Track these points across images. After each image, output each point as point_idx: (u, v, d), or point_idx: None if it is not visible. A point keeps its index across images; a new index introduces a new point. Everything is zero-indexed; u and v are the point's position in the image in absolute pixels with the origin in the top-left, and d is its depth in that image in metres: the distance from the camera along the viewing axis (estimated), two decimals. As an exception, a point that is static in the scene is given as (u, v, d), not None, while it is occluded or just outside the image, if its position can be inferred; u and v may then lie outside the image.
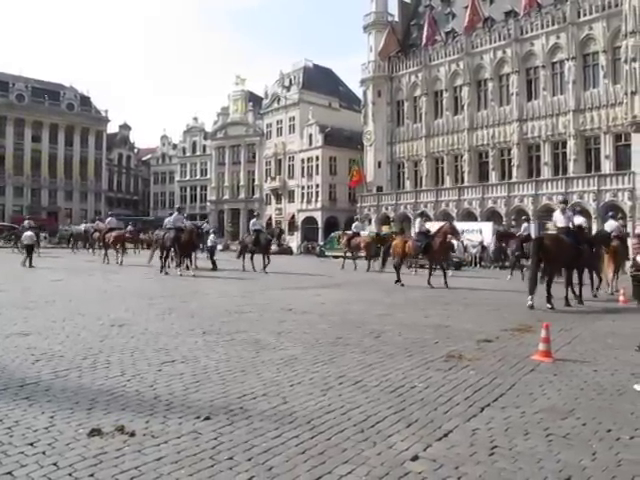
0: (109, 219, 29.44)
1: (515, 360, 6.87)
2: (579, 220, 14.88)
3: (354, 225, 29.36)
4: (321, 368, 6.25)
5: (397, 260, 19.00)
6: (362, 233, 29.77)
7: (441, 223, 20.80)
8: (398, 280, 17.84)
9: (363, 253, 27.98)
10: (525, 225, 24.46)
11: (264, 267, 21.88)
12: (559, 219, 13.55)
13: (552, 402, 5.20)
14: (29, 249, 23.16)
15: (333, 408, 4.83)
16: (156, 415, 4.52)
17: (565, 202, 14.85)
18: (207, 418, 4.46)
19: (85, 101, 75.59)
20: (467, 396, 5.30)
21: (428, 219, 23.58)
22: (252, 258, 23.17)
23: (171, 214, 28.08)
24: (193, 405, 4.81)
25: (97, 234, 30.58)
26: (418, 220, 19.49)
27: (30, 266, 22.14)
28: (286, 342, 7.68)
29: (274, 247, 32.08)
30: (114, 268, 23.52)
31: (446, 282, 16.94)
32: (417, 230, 19.00)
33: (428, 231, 18.53)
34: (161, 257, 21.56)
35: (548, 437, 4.26)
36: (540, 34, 42.38)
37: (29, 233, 24.57)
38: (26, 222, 32.48)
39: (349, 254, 28.47)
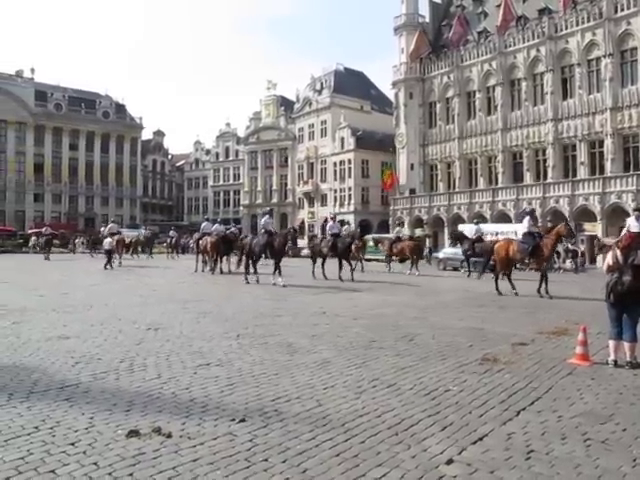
0: (215, 225, 25.79)
1: (551, 363, 6.76)
2: None
3: (329, 225, 23.66)
4: (355, 371, 6.26)
5: (499, 265, 16.40)
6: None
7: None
8: (497, 289, 15.77)
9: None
10: (477, 227, 26.31)
11: (351, 274, 20.11)
12: (633, 225, 13.28)
13: (590, 406, 5.11)
14: (108, 253, 25.64)
15: (367, 411, 4.84)
16: (192, 417, 4.60)
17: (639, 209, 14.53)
18: (242, 420, 4.51)
19: (120, 109, 77.03)
20: (502, 400, 5.25)
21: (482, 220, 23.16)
22: (323, 264, 21.11)
23: (207, 219, 28.70)
24: (228, 407, 4.87)
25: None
26: (527, 219, 16.57)
27: (106, 268, 24.29)
28: (319, 345, 7.71)
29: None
30: (153, 272, 23.90)
31: (547, 289, 14.83)
32: (524, 230, 16.27)
33: (537, 231, 16.31)
34: (247, 266, 19.13)
35: (586, 442, 4.19)
36: (575, 31, 41.59)
37: (109, 239, 27.21)
38: (44, 229, 35.09)
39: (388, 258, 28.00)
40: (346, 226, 31.25)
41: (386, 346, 7.72)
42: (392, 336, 8.53)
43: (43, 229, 38.04)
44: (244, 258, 19.47)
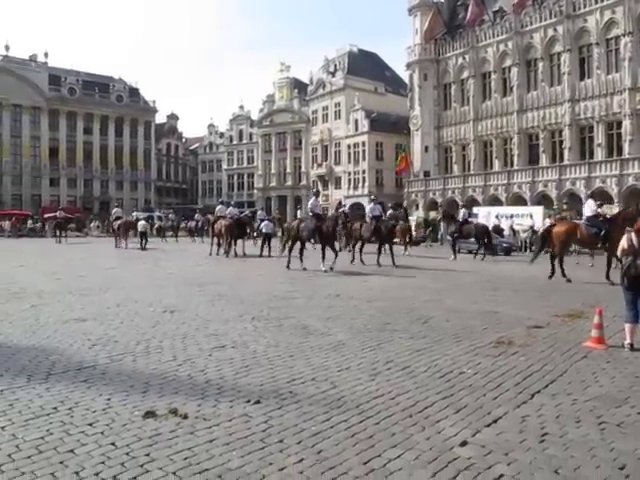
0: (229, 208, 25.22)
1: (566, 347, 6.74)
2: None
3: (370, 207, 21.27)
4: (369, 354, 6.28)
5: (559, 250, 15.20)
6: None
7: None
8: (563, 275, 14.66)
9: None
10: (463, 211, 26.58)
11: (392, 261, 18.63)
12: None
13: (605, 390, 5.09)
14: (142, 235, 28.81)
15: (381, 393, 4.86)
16: (207, 399, 4.65)
17: None
18: (257, 402, 4.55)
19: (134, 92, 77.00)
20: (517, 382, 5.25)
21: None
22: (362, 249, 20.04)
23: (222, 202, 28.68)
24: (243, 389, 4.92)
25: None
26: (590, 201, 15.59)
27: (144, 249, 27.48)
28: (334, 328, 7.74)
29: None
30: (169, 255, 24.08)
31: (608, 274, 13.85)
32: (590, 213, 15.24)
33: (603, 215, 15.32)
34: (291, 250, 17.71)
35: (601, 425, 4.19)
36: (594, 9, 40.73)
37: (143, 222, 30.48)
38: (58, 212, 36.19)
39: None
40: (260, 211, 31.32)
41: (400, 329, 7.73)
42: (406, 319, 8.54)
43: (57, 213, 38.58)
44: (289, 242, 18.03)
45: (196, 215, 40.73)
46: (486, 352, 6.42)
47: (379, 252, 19.16)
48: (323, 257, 16.57)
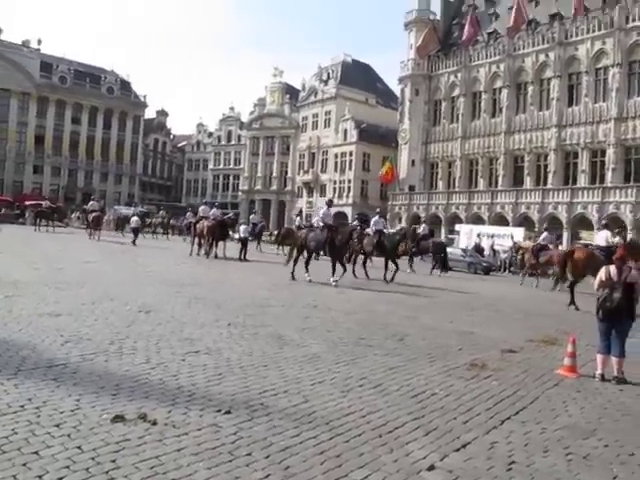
0: (212, 209, 24.94)
1: (539, 373, 6.80)
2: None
3: (374, 220, 20.31)
4: (343, 368, 6.28)
5: (576, 276, 15.03)
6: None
7: None
8: (572, 302, 14.33)
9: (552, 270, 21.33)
10: (423, 226, 28.54)
11: (391, 277, 17.76)
12: (600, 238, 13.06)
13: (574, 420, 5.14)
14: (135, 231, 30.18)
15: (353, 410, 4.86)
16: (178, 405, 4.61)
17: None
18: (228, 412, 4.52)
19: (125, 85, 76.50)
20: (488, 407, 5.28)
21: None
22: (365, 263, 19.22)
23: (206, 203, 28.62)
24: (214, 398, 4.88)
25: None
26: (606, 232, 15.30)
27: (134, 244, 28.28)
28: (310, 339, 7.72)
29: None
30: (149, 252, 23.90)
31: None
32: (603, 244, 14.88)
33: (616, 245, 14.27)
34: (296, 260, 16.72)
35: (568, 456, 4.22)
36: (585, 39, 41.49)
37: (136, 218, 31.90)
38: (44, 202, 36.43)
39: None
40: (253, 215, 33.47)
41: (375, 344, 7.74)
42: (382, 334, 8.55)
43: (43, 202, 38.37)
44: (295, 252, 16.99)
45: (187, 214, 40.43)
46: (459, 374, 6.45)
47: (386, 267, 18.10)
48: (334, 270, 15.54)
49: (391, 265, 18.02)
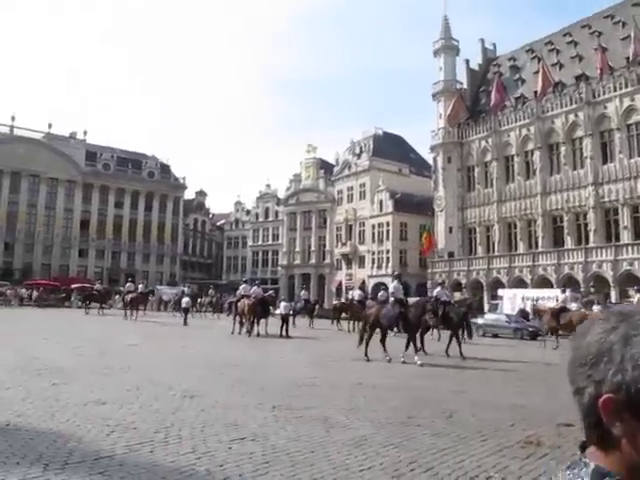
0: (253, 287, 25.13)
1: (599, 449, 6.44)
2: None
3: (437, 291, 19.45)
4: (392, 451, 6.08)
5: None
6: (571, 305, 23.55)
7: None
8: None
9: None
10: (438, 290, 24.50)
11: (459, 351, 16.72)
12: None
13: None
14: (185, 311, 31.63)
15: (404, 499, 4.67)
16: (226, 499, 4.51)
17: None
18: (276, 505, 4.40)
19: (165, 169, 79.59)
20: (547, 490, 5.00)
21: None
22: (423, 336, 17.41)
23: (246, 281, 28.83)
24: (262, 489, 4.77)
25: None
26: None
27: (185, 324, 29.75)
28: (356, 421, 7.54)
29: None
30: (191, 333, 24.06)
31: None
32: None
33: None
34: (369, 339, 15.83)
35: None
36: (613, 96, 41.65)
37: (187, 298, 33.34)
38: (96, 285, 38.07)
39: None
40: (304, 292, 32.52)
41: (424, 424, 7.50)
42: (430, 412, 8.30)
43: (95, 285, 39.92)
44: (367, 330, 16.09)
45: (237, 292, 40.81)
46: (514, 453, 6.17)
47: (450, 340, 17.34)
48: (415, 347, 15.05)
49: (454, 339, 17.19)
